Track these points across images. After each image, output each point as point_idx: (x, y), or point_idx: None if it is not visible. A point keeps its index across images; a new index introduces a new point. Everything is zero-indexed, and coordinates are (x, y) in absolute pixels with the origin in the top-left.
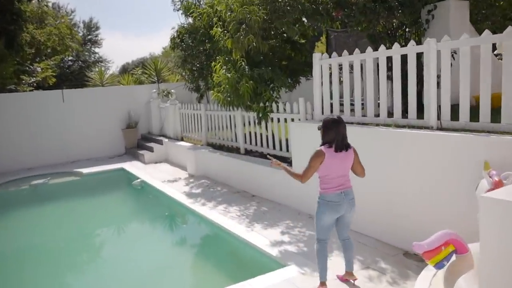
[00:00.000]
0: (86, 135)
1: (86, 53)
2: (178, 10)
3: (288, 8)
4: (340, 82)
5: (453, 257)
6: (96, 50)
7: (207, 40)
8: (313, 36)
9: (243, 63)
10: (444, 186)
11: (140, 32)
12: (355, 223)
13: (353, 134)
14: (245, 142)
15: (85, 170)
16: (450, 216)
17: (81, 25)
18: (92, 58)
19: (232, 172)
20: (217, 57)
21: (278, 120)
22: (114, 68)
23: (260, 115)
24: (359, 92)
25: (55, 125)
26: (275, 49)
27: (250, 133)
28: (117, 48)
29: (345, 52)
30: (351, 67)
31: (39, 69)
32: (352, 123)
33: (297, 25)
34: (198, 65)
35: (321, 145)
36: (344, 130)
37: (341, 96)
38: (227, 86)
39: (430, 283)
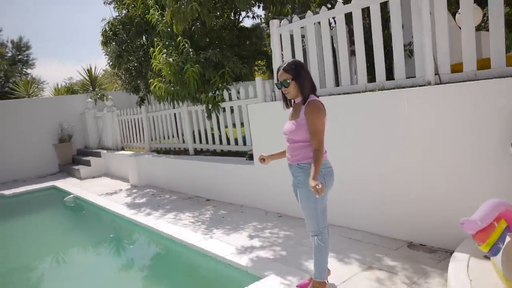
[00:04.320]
0: (10, 154)
1: (17, 74)
2: (110, 3)
3: None
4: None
5: (507, 238)
6: (29, 71)
7: (144, 32)
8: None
9: (186, 45)
10: (463, 151)
11: (80, 58)
12: (341, 216)
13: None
14: (194, 142)
15: (8, 192)
16: (475, 189)
17: (9, 44)
18: (24, 79)
19: (181, 176)
20: (155, 39)
21: (232, 110)
22: (49, 91)
23: (210, 107)
24: (330, 59)
25: None
26: (222, 33)
27: (199, 131)
28: (54, 75)
29: (309, 13)
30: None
31: None
32: (323, 95)
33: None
34: (135, 63)
35: (305, 98)
36: None
37: None
38: (169, 72)
39: (469, 277)
